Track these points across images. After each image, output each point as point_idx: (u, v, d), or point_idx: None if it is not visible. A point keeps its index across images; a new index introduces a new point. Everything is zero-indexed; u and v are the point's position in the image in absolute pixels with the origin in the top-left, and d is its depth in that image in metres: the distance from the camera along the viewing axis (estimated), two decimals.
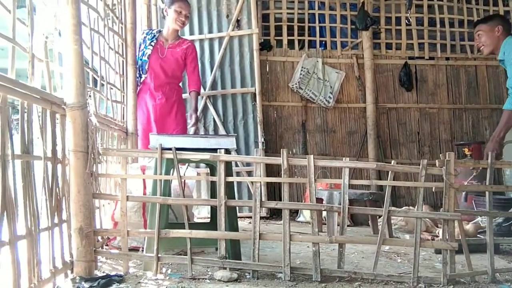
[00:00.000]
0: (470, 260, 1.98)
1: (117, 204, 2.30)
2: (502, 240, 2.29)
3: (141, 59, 3.47)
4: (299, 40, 5.05)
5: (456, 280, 1.94)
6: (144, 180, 2.49)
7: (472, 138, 5.00)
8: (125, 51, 3.49)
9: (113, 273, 1.98)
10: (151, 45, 3.48)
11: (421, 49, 5.11)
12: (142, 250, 2.22)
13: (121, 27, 3.62)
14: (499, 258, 2.41)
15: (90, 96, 2.16)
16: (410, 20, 5.05)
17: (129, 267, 2.06)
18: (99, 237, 2.22)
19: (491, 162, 2.04)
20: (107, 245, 2.44)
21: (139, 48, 3.49)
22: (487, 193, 2.08)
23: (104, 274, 1.96)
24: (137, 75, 3.41)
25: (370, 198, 3.23)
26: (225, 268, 1.98)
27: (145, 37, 3.53)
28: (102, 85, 3.06)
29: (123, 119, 3.35)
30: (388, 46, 5.12)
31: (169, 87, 3.54)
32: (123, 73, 3.40)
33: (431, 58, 5.12)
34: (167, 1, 3.52)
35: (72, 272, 1.90)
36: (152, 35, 3.53)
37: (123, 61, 3.46)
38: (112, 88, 3.24)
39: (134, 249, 2.35)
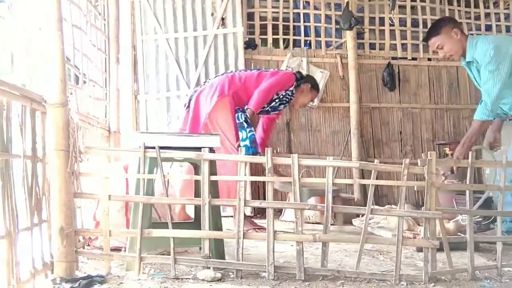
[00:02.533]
0: (451, 258, 2.01)
1: (99, 204, 2.27)
2: (481, 238, 2.33)
3: (282, 103, 3.46)
4: (284, 39, 5.05)
5: (437, 277, 1.97)
6: (127, 179, 2.46)
7: (453, 137, 5.09)
8: (108, 48, 3.45)
9: (94, 273, 1.95)
10: (289, 100, 3.47)
11: (404, 50, 5.17)
12: (125, 250, 2.19)
13: (104, 24, 3.57)
14: (479, 255, 2.45)
15: (71, 93, 2.12)
16: (394, 20, 5.11)
17: (111, 267, 2.04)
18: (81, 237, 2.19)
19: (472, 162, 2.07)
20: (88, 245, 2.41)
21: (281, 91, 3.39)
22: (467, 192, 2.11)
23: (86, 274, 1.93)
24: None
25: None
26: (208, 268, 1.97)
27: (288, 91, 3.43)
28: (84, 82, 3.01)
29: (106, 116, 3.31)
30: (372, 46, 5.16)
31: None
32: (105, 70, 3.35)
33: (413, 59, 5.19)
34: (310, 82, 3.56)
35: (52, 273, 1.87)
36: (291, 95, 3.47)
37: (105, 58, 3.42)
38: (94, 86, 3.20)
39: (117, 249, 2.31)
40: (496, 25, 5.29)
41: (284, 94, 3.38)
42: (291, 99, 3.46)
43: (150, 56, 4.55)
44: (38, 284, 1.75)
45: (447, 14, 5.21)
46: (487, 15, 5.31)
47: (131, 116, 4.44)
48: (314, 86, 3.59)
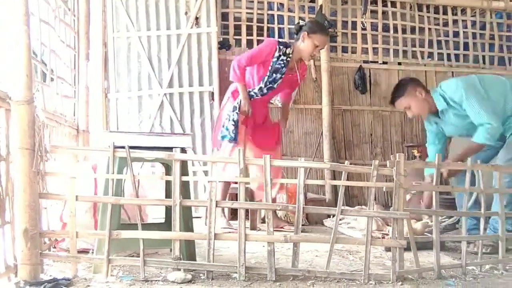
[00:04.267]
0: (418, 257, 2.06)
1: (66, 204, 2.20)
2: (447, 238, 2.40)
3: (275, 72, 3.17)
4: (258, 40, 5.07)
5: (404, 276, 2.01)
6: (95, 179, 2.41)
7: (421, 140, 5.23)
8: (77, 45, 3.37)
9: (60, 276, 1.89)
10: (287, 63, 3.19)
11: (375, 54, 5.29)
12: (92, 252, 2.14)
13: (74, 19, 3.48)
14: (444, 255, 2.52)
15: (38, 90, 2.06)
16: (365, 25, 5.21)
17: (77, 270, 1.98)
18: (46, 239, 2.12)
19: (438, 163, 2.13)
20: (55, 247, 2.34)
21: (270, 54, 3.15)
22: (434, 193, 2.17)
23: (51, 277, 1.87)
24: (254, 78, 3.20)
25: None
26: (179, 269, 1.94)
27: (280, 51, 3.17)
28: (52, 79, 2.93)
29: (74, 115, 3.23)
30: (344, 50, 5.25)
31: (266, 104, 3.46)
32: (75, 68, 3.27)
33: (384, 63, 5.31)
34: (308, 27, 3.19)
35: (16, 276, 1.80)
36: (288, 55, 3.19)
37: (75, 55, 3.34)
38: (62, 83, 3.11)
39: (84, 251, 2.26)
40: (463, 31, 5.47)
41: (274, 61, 3.13)
42: (287, 61, 3.16)
43: (122, 54, 4.47)
44: (1, 287, 1.69)
45: (417, 20, 5.35)
46: (455, 22, 5.50)
47: (101, 115, 4.35)
48: (312, 30, 3.16)
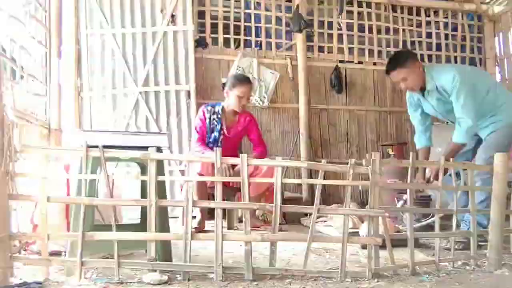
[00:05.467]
0: (393, 254, 2.09)
1: (37, 206, 2.13)
2: (421, 235, 2.45)
3: (212, 131, 3.43)
4: (235, 39, 5.05)
5: (380, 273, 2.04)
6: (68, 179, 2.34)
7: (395, 139, 5.33)
8: (48, 42, 3.28)
9: (31, 280, 1.83)
10: (219, 120, 3.45)
11: (351, 54, 5.35)
12: (65, 255, 2.08)
13: (45, 15, 3.39)
14: (418, 251, 2.57)
15: (7, 88, 1.99)
16: (341, 25, 5.26)
17: (49, 273, 1.92)
18: (17, 242, 2.05)
19: (413, 162, 2.17)
20: (25, 250, 2.26)
21: (203, 119, 3.43)
22: (408, 190, 2.21)
23: (21, 281, 1.81)
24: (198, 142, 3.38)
25: None
26: (155, 271, 1.91)
27: (209, 112, 3.46)
28: (22, 77, 2.84)
29: (46, 114, 3.14)
30: (321, 49, 5.29)
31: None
32: (46, 65, 3.18)
33: (360, 63, 5.38)
34: (229, 82, 3.47)
35: None
36: (218, 113, 3.46)
37: (46, 52, 3.25)
38: (33, 80, 3.02)
39: (56, 254, 2.19)
40: (436, 32, 5.60)
41: (208, 122, 3.43)
42: (219, 118, 3.45)
43: (95, 52, 4.38)
44: None
45: (391, 21, 5.45)
46: (428, 23, 5.62)
47: (74, 114, 4.25)
48: (231, 84, 3.43)
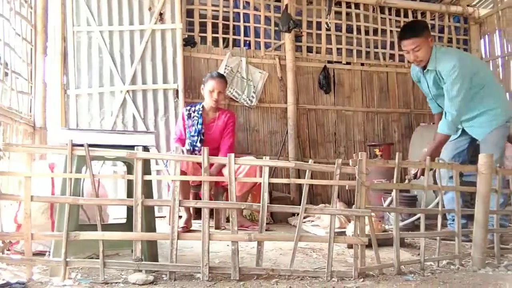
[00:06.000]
0: (379, 254, 2.10)
1: (21, 205, 2.10)
2: (407, 234, 2.47)
3: (195, 129, 3.54)
4: (223, 38, 5.03)
5: (366, 273, 2.05)
6: (52, 178, 2.31)
7: (382, 139, 5.37)
8: (34, 39, 3.23)
9: (14, 280, 1.80)
10: (200, 115, 3.57)
11: (339, 54, 5.37)
12: (49, 255, 2.05)
13: (31, 12, 3.34)
14: (404, 251, 2.60)
15: None
16: (330, 25, 5.29)
17: (33, 273, 1.90)
18: (0, 241, 2.02)
19: (399, 162, 2.19)
20: (9, 250, 2.23)
21: (184, 119, 3.59)
22: (394, 190, 2.23)
23: (4, 282, 1.78)
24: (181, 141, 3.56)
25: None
26: (140, 271, 1.90)
27: (188, 111, 3.61)
28: (6, 74, 2.79)
29: (30, 111, 3.09)
30: (309, 49, 5.31)
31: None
32: (31, 62, 3.13)
33: (348, 63, 5.41)
34: (204, 79, 3.64)
35: None
36: (199, 110, 3.59)
37: (31, 48, 3.20)
38: (18, 78, 2.98)
39: (40, 254, 2.17)
40: None
41: (187, 120, 3.57)
42: (200, 114, 3.56)
43: (82, 49, 4.32)
44: None
45: (379, 22, 5.49)
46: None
47: (59, 112, 4.18)
48: (203, 82, 3.62)
